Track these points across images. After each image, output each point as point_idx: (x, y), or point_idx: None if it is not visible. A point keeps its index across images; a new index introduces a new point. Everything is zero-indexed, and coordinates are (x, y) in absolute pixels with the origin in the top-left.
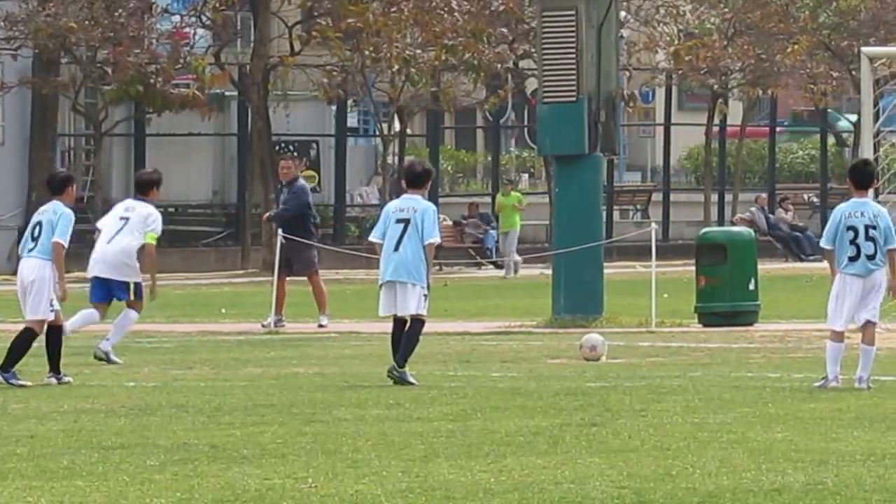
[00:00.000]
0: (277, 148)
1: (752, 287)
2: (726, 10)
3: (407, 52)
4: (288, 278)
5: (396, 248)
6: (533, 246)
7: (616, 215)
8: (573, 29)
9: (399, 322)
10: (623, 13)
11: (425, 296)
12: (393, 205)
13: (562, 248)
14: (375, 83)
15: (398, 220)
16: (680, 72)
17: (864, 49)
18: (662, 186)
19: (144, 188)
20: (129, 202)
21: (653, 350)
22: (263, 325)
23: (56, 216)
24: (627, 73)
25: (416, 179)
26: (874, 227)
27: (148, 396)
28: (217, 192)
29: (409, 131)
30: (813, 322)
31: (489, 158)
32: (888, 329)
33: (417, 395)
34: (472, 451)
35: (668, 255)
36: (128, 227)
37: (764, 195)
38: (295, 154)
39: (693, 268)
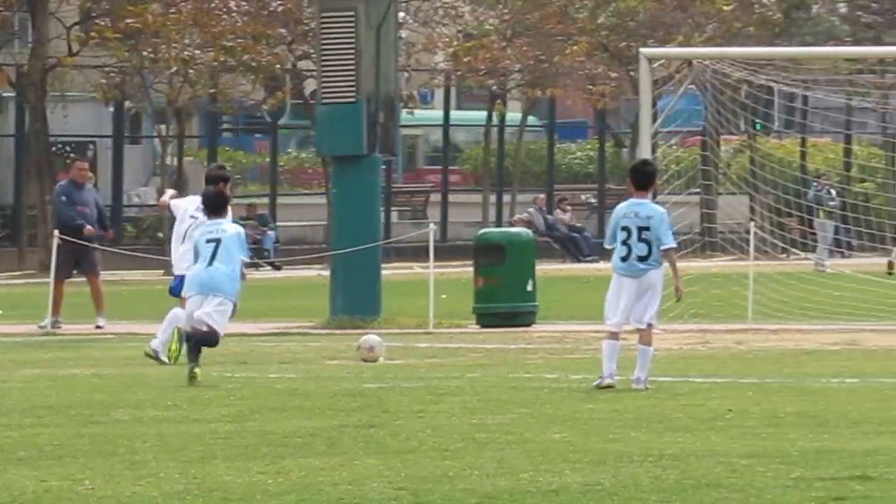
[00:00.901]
0: (54, 149)
1: (529, 288)
2: (505, 11)
3: (185, 52)
4: (68, 279)
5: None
6: (311, 247)
7: (394, 216)
8: (352, 30)
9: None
10: (402, 14)
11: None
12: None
13: (339, 248)
14: (154, 84)
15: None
16: (459, 73)
17: (643, 50)
18: (441, 187)
19: None
20: None
21: (431, 351)
22: (41, 327)
23: None
24: (406, 74)
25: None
26: (647, 229)
27: None
28: None
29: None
30: (591, 323)
31: (267, 160)
32: (665, 330)
33: (195, 396)
34: (250, 452)
35: (446, 256)
36: None
37: (542, 196)
38: (66, 156)
39: (471, 268)
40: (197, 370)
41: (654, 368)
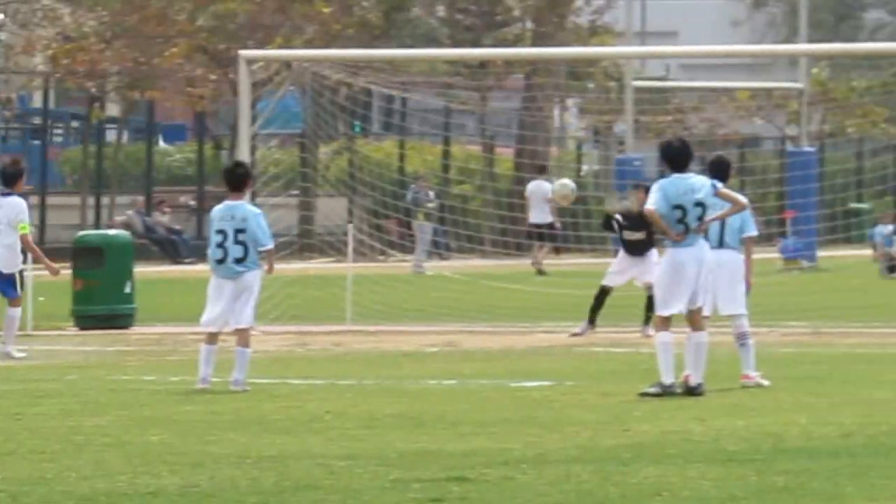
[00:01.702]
0: None
1: (128, 290)
2: (104, 13)
3: None
4: None
5: None
6: None
7: None
8: None
9: None
10: (1, 16)
11: None
12: (217, 211)
13: None
14: None
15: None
16: (58, 75)
17: (242, 52)
18: (39, 190)
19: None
20: None
21: (29, 353)
22: None
23: None
24: (5, 77)
25: None
26: (243, 231)
27: None
28: None
29: None
30: (190, 325)
31: None
32: (264, 332)
33: None
34: None
35: (46, 257)
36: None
37: (141, 198)
38: None
39: (70, 271)
40: None
41: (252, 370)
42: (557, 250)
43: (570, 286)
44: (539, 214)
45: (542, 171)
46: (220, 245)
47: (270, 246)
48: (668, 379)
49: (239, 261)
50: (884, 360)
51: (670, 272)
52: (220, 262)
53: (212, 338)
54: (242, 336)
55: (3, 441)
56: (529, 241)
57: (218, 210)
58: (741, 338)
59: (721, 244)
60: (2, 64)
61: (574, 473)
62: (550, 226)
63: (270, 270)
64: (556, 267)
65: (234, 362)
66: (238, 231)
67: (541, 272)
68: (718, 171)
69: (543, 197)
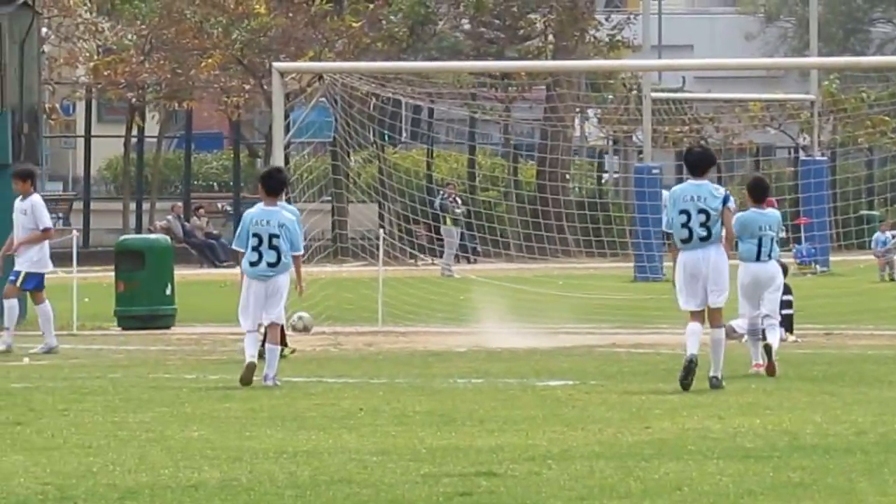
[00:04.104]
0: None
1: (168, 292)
2: (143, 27)
3: None
4: None
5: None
6: None
7: None
8: None
9: None
10: (44, 30)
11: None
12: (253, 215)
13: None
14: None
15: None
16: (99, 86)
17: (276, 64)
18: (83, 195)
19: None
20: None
21: (74, 352)
22: None
23: None
24: (50, 87)
25: None
26: (277, 237)
27: None
28: None
29: None
30: (228, 325)
31: None
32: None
33: None
34: None
35: (88, 261)
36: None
37: (180, 204)
38: None
39: (113, 273)
40: None
41: (288, 369)
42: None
43: (589, 289)
44: None
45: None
46: (256, 249)
47: (300, 252)
48: (690, 352)
49: (272, 265)
50: (895, 361)
51: (681, 273)
52: (254, 264)
53: (252, 333)
54: (273, 333)
55: (51, 436)
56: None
57: (253, 214)
58: (757, 332)
59: (763, 257)
60: (46, 75)
61: (598, 469)
62: None
63: (299, 280)
64: (576, 271)
65: (265, 359)
66: (273, 236)
67: None
68: (753, 191)
69: None
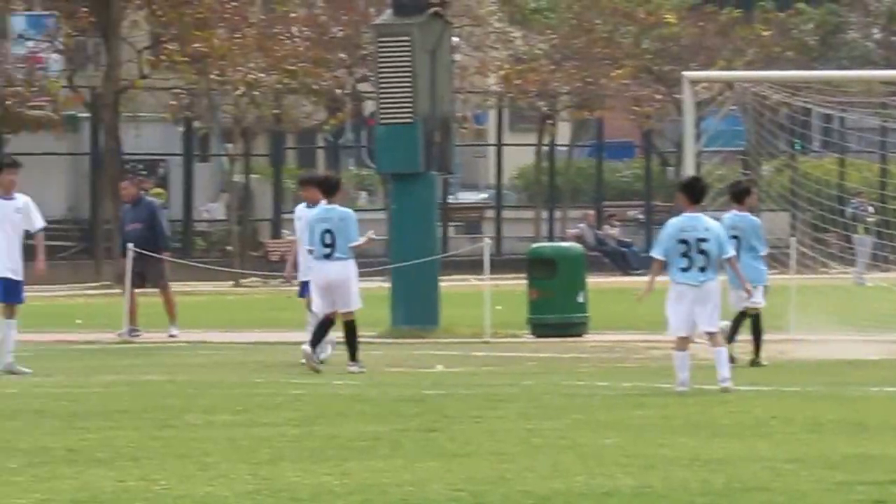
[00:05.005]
0: (127, 166)
1: (580, 299)
2: (554, 36)
3: (250, 76)
4: (140, 290)
5: None
6: (374, 260)
7: (451, 231)
8: (408, 54)
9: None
10: (455, 39)
11: None
12: (678, 222)
13: (398, 262)
14: (221, 105)
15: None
16: (510, 95)
17: (686, 73)
18: (495, 204)
19: None
20: None
21: (487, 359)
22: (118, 335)
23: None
24: (461, 96)
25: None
26: (706, 241)
27: (8, 402)
28: (71, 209)
29: (253, 151)
30: (641, 333)
31: None
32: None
33: (263, 401)
34: (317, 454)
35: (500, 269)
36: None
37: (592, 212)
38: (136, 174)
39: (525, 281)
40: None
41: (700, 375)
42: None
43: None
44: None
45: None
46: (685, 255)
47: (732, 254)
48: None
49: (703, 269)
50: None
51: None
52: (685, 270)
53: (683, 342)
54: (714, 338)
55: (464, 443)
56: None
57: (678, 221)
58: None
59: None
60: (457, 84)
61: None
62: None
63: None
64: None
65: (715, 363)
66: (700, 241)
67: None
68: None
69: None
